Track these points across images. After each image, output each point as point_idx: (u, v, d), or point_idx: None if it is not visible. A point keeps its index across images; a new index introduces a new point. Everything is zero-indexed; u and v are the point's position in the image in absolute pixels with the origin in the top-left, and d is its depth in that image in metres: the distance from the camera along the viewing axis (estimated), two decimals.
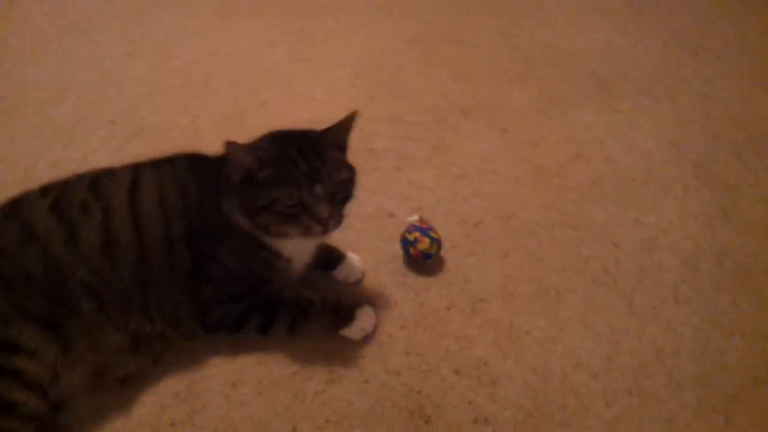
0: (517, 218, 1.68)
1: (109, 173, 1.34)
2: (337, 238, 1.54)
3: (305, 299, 1.36)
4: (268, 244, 1.28)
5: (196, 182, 1.32)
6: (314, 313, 1.35)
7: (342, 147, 1.30)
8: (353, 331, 1.36)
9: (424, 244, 1.48)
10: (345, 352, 1.36)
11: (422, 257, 1.49)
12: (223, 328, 1.33)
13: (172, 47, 2.22)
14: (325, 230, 1.20)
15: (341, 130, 1.27)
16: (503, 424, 1.26)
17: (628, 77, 2.19)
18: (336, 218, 1.20)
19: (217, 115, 1.96)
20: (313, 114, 1.99)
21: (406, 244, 1.51)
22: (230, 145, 1.16)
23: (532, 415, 1.27)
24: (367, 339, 1.38)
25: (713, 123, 2.01)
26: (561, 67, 2.21)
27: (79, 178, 1.33)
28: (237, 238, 1.28)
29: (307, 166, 1.19)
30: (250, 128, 1.90)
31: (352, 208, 1.29)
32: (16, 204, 1.28)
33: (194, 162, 1.36)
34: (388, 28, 2.37)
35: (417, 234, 1.49)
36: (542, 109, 2.04)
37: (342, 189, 1.23)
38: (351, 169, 1.27)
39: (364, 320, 1.36)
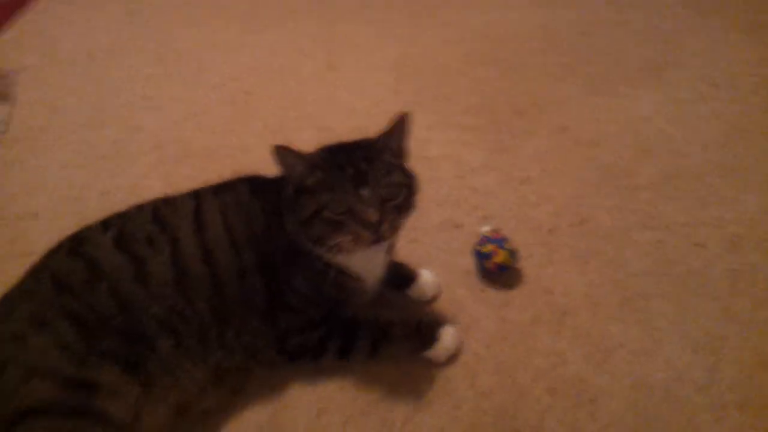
0: (591, 222, 1.60)
1: (169, 203, 1.27)
2: (406, 254, 1.48)
3: (384, 321, 1.29)
4: (333, 262, 1.20)
5: (260, 207, 1.25)
6: (395, 336, 1.28)
7: (397, 152, 1.22)
8: (437, 353, 1.28)
9: (501, 256, 1.40)
10: (430, 375, 1.29)
11: (499, 270, 1.41)
12: (303, 357, 1.27)
13: (206, 65, 2.16)
14: (376, 237, 1.11)
15: (392, 133, 1.19)
16: None
17: (683, 64, 2.10)
18: (389, 225, 1.12)
19: (263, 132, 1.89)
20: (359, 123, 1.91)
21: (480, 257, 1.43)
22: (280, 149, 1.11)
23: None
24: (452, 360, 1.30)
25: None
26: (610, 57, 2.13)
27: (139, 210, 1.27)
28: (304, 259, 1.21)
29: (354, 170, 1.11)
30: (298, 142, 1.85)
31: (416, 221, 1.22)
32: (78, 240, 1.22)
33: (255, 185, 1.30)
34: (424, 29, 2.30)
35: (492, 246, 1.41)
36: (598, 103, 1.95)
37: (395, 195, 1.14)
38: (408, 175, 1.19)
39: (447, 340, 1.29)
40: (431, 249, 1.54)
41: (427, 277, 1.43)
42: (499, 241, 1.42)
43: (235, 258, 1.21)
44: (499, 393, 1.26)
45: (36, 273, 1.20)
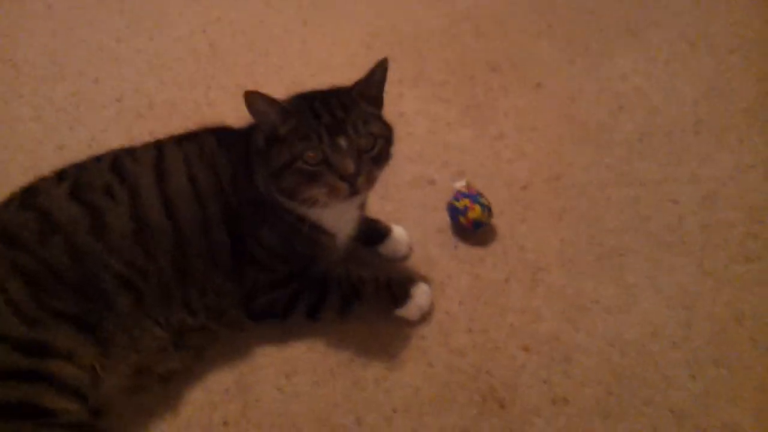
0: (565, 178, 1.57)
1: (129, 153, 1.21)
2: (378, 211, 1.44)
3: (356, 278, 1.25)
4: (305, 217, 1.15)
5: (226, 158, 1.20)
6: (366, 293, 1.24)
7: (374, 101, 1.16)
8: (410, 311, 1.25)
9: (476, 211, 1.36)
10: (403, 334, 1.26)
11: (473, 226, 1.38)
12: (271, 315, 1.22)
13: (172, 17, 2.06)
14: (353, 189, 1.06)
15: (370, 81, 1.13)
16: (584, 402, 1.17)
17: (661, 23, 2.06)
18: (366, 177, 1.07)
19: (230, 86, 1.82)
20: (331, 79, 1.84)
21: (454, 212, 1.39)
22: (251, 94, 1.04)
23: (613, 392, 1.18)
24: (425, 318, 1.27)
25: (756, 66, 1.89)
26: (589, 17, 2.08)
27: (97, 160, 1.20)
28: (274, 213, 1.16)
29: (331, 118, 1.06)
30: None
31: (388, 177, 1.17)
32: (31, 192, 1.15)
33: (221, 136, 1.24)
34: None
35: (466, 201, 1.37)
36: (575, 61, 1.91)
37: (373, 145, 1.09)
38: (385, 126, 1.14)
39: (420, 298, 1.25)
40: (403, 206, 1.49)
41: (399, 234, 1.39)
42: (474, 196, 1.38)
43: (199, 211, 1.15)
44: (473, 351, 1.23)
45: None
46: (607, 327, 1.27)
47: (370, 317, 1.27)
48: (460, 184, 1.44)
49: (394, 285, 1.25)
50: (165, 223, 1.13)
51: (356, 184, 1.06)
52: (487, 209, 1.38)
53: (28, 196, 1.14)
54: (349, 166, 1.04)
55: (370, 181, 1.09)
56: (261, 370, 1.21)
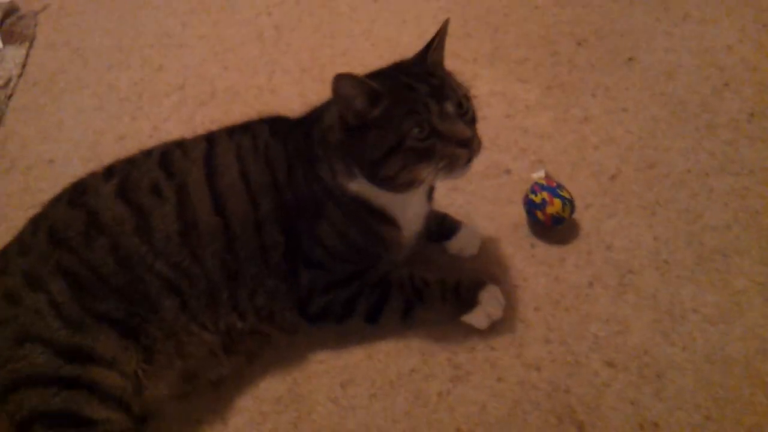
0: (660, 166, 1.39)
1: (179, 146, 1.14)
2: (445, 205, 1.32)
3: (420, 280, 1.14)
4: (380, 209, 1.07)
5: (282, 150, 1.10)
6: (431, 297, 1.13)
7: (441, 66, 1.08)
8: (478, 318, 1.13)
9: (555, 206, 1.22)
10: (471, 343, 1.14)
11: (553, 222, 1.23)
12: (328, 319, 1.13)
13: (236, 0, 1.99)
14: (471, 154, 0.98)
15: (438, 46, 1.05)
16: (677, 429, 1.02)
17: None
18: (477, 141, 0.99)
19: (294, 71, 1.73)
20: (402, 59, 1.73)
21: (531, 207, 1.25)
22: (341, 77, 0.94)
23: (712, 418, 1.02)
24: (495, 326, 1.14)
25: None
26: None
27: (147, 155, 1.14)
28: (341, 207, 1.07)
29: (428, 86, 0.97)
30: (331, 82, 1.68)
31: None
32: (79, 189, 1.11)
33: (276, 127, 1.14)
34: None
35: (545, 194, 1.23)
36: (672, 31, 1.70)
37: (468, 108, 1.01)
38: (465, 86, 1.06)
39: (490, 303, 1.13)
40: (474, 198, 1.37)
41: (469, 230, 1.27)
42: (554, 189, 1.24)
43: (251, 207, 1.07)
44: (550, 365, 1.10)
45: (34, 224, 1.10)
46: (707, 341, 1.11)
47: (435, 323, 1.15)
48: (538, 175, 1.29)
49: (461, 289, 1.14)
50: (214, 221, 1.05)
51: (473, 148, 0.98)
52: (569, 203, 1.23)
53: (77, 193, 1.10)
54: (465, 129, 0.96)
55: (480, 146, 1.01)
56: (315, 379, 1.13)
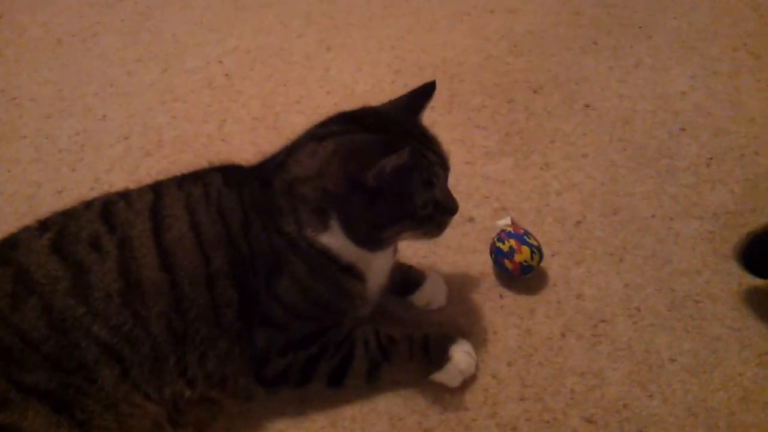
0: (624, 211, 1.36)
1: (122, 197, 1.05)
2: (408, 255, 1.26)
3: (385, 337, 1.06)
4: (348, 263, 1.00)
5: (236, 199, 1.02)
6: (398, 355, 1.05)
7: None
8: (450, 376, 1.05)
9: (523, 254, 1.17)
10: (442, 403, 1.07)
11: (521, 271, 1.18)
12: (286, 383, 1.04)
13: (186, 48, 1.93)
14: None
15: (420, 106, 1.04)
16: None
17: (719, 33, 1.85)
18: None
19: (246, 119, 1.67)
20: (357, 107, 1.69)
21: (499, 255, 1.20)
22: (384, 164, 0.88)
23: None
24: (467, 383, 1.07)
25: None
26: (637, 30, 1.89)
27: (87, 206, 1.05)
28: (305, 261, 0.99)
29: (435, 155, 0.96)
30: (285, 130, 1.62)
31: None
32: (10, 244, 1.01)
33: (229, 175, 1.07)
34: (428, 3, 2.06)
35: (513, 242, 1.18)
36: (626, 79, 1.72)
37: None
38: None
39: (461, 360, 1.06)
40: (438, 248, 1.31)
41: (435, 281, 1.21)
42: (520, 236, 1.19)
43: (202, 261, 0.98)
44: (525, 424, 1.04)
45: None
46: (688, 391, 1.06)
47: (402, 382, 1.08)
48: (504, 222, 1.25)
49: (431, 344, 1.06)
50: (160, 278, 0.96)
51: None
52: (538, 251, 1.19)
53: (6, 249, 1.00)
54: (457, 201, 1.01)
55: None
56: None
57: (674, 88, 1.68)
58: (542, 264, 1.22)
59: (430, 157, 0.95)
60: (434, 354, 1.05)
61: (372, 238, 0.96)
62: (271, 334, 1.02)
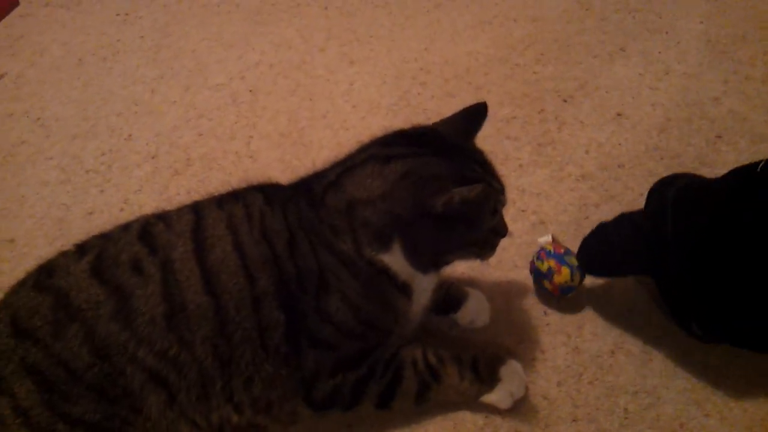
0: None
1: (162, 218, 1.03)
2: (448, 270, 1.23)
3: (434, 357, 1.03)
4: (404, 282, 0.98)
5: (281, 219, 1.00)
6: (447, 376, 1.03)
7: None
8: (500, 397, 1.03)
9: (563, 275, 1.14)
10: (492, 425, 1.03)
11: (561, 292, 1.16)
12: (336, 405, 1.01)
13: (208, 64, 1.92)
14: None
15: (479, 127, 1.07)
16: None
17: (749, 37, 1.82)
18: None
19: (273, 135, 1.65)
20: (383, 121, 1.68)
21: (538, 276, 1.18)
22: (456, 193, 0.89)
23: None
24: (517, 404, 1.04)
25: None
26: (666, 36, 1.86)
27: (124, 229, 1.02)
28: (360, 279, 0.96)
29: (497, 183, 0.98)
30: (312, 145, 1.60)
31: None
32: (48, 270, 0.98)
33: (270, 195, 1.04)
34: (449, 13, 2.04)
35: (552, 262, 1.15)
36: (657, 86, 1.69)
37: None
38: None
39: (511, 381, 1.03)
40: (478, 264, 1.27)
41: (477, 299, 1.18)
42: (560, 255, 1.16)
43: (247, 283, 0.95)
44: None
45: None
46: (745, 410, 1.03)
47: (452, 406, 1.05)
48: (544, 240, 1.22)
49: (480, 365, 1.04)
50: (205, 301, 0.94)
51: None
52: (579, 271, 1.15)
53: (44, 275, 0.97)
54: (507, 225, 1.04)
55: None
56: None
57: (707, 94, 1.65)
58: (587, 279, 1.19)
59: (494, 185, 0.96)
60: (484, 375, 1.03)
61: (434, 262, 0.98)
62: (320, 354, 0.99)
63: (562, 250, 1.17)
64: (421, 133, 1.02)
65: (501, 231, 1.02)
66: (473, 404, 1.04)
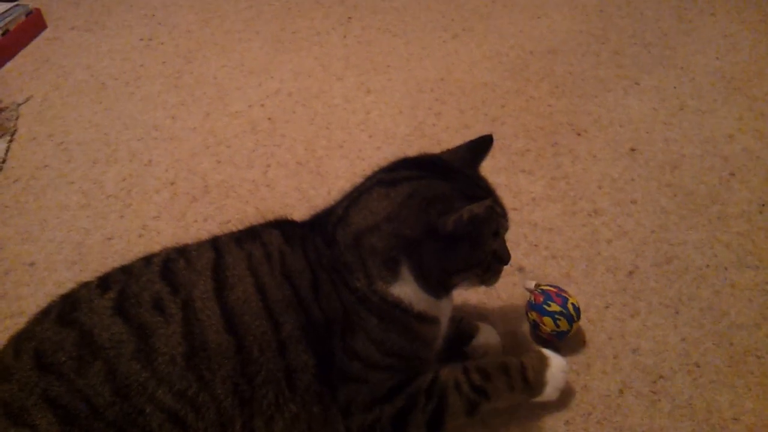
0: (677, 261, 1.34)
1: (181, 254, 1.04)
2: (457, 307, 1.25)
3: (477, 374, 1.03)
4: (420, 312, 0.99)
5: (302, 259, 1.01)
6: (495, 390, 1.03)
7: None
8: (549, 395, 1.06)
9: (547, 325, 1.15)
10: None
11: (556, 338, 1.17)
12: None
13: (228, 90, 1.96)
14: None
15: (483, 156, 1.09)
16: None
17: (764, 73, 1.84)
18: None
19: (290, 164, 1.68)
20: (397, 151, 1.69)
21: (532, 327, 1.20)
22: (466, 211, 0.90)
23: None
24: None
25: None
26: (681, 71, 1.88)
27: (146, 263, 1.04)
28: (376, 315, 0.98)
29: (500, 207, 1.00)
30: (328, 175, 1.63)
31: None
32: (71, 303, 1.00)
33: (288, 233, 1.06)
34: (464, 44, 2.08)
35: (534, 315, 1.17)
36: (671, 121, 1.70)
37: None
38: None
39: (556, 378, 1.06)
40: (489, 299, 1.29)
41: (488, 332, 1.20)
42: (539, 306, 1.15)
43: (272, 326, 0.96)
44: None
45: (16, 345, 0.97)
46: None
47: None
48: (528, 285, 1.20)
49: (528, 373, 1.05)
50: (225, 341, 0.94)
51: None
52: (563, 316, 1.14)
53: (67, 308, 0.99)
54: (509, 252, 1.04)
55: None
56: None
57: (721, 131, 1.66)
58: (595, 316, 1.20)
59: (496, 209, 0.97)
60: (534, 382, 1.04)
61: (441, 283, 0.98)
62: (352, 388, 0.99)
63: (542, 299, 1.16)
64: (426, 159, 1.05)
65: (504, 257, 1.03)
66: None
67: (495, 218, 0.97)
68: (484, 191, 1.01)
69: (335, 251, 0.99)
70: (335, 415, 1.00)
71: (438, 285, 0.98)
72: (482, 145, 1.07)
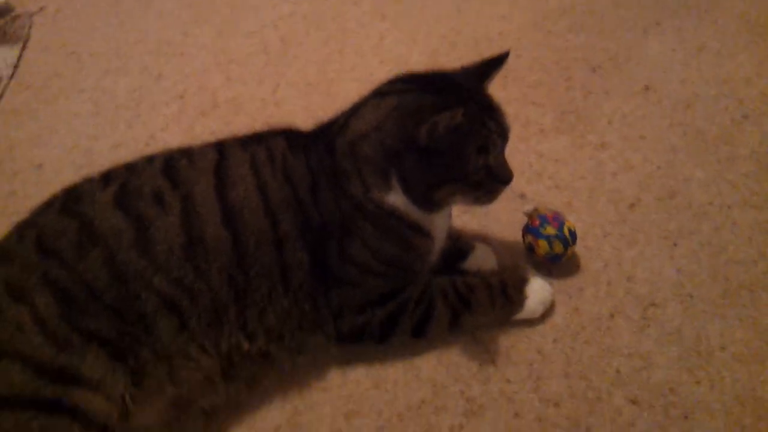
0: (680, 196, 1.33)
1: (185, 153, 1.06)
2: (458, 225, 1.26)
3: (463, 286, 1.08)
4: (415, 222, 1.01)
5: (303, 165, 1.03)
6: (479, 303, 1.07)
7: None
8: (531, 310, 1.11)
9: (542, 248, 1.15)
10: (485, 374, 1.07)
11: (550, 261, 1.17)
12: (365, 339, 1.06)
13: (241, 11, 1.94)
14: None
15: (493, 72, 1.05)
16: None
17: None
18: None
19: (300, 84, 1.67)
20: None
21: (528, 249, 1.19)
22: (437, 121, 0.89)
23: None
24: (510, 356, 1.08)
25: None
26: (705, 14, 1.83)
27: (149, 162, 1.06)
28: (373, 223, 1.00)
29: (495, 123, 0.95)
30: (338, 96, 1.62)
31: None
32: (73, 196, 1.02)
33: (293, 140, 1.07)
34: None
35: (530, 238, 1.17)
36: (688, 62, 1.67)
37: None
38: None
39: (539, 293, 1.10)
40: (489, 222, 1.30)
41: (484, 251, 1.21)
42: (536, 229, 1.16)
43: (270, 224, 0.99)
44: (569, 400, 1.03)
45: (20, 232, 1.01)
46: (737, 380, 1.04)
47: (446, 351, 1.09)
48: (527, 210, 1.20)
49: (509, 289, 1.09)
50: (223, 235, 0.97)
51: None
52: (558, 239, 1.14)
53: (71, 200, 1.02)
54: (511, 171, 1.00)
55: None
56: (318, 408, 1.05)
57: (739, 74, 1.62)
58: (593, 243, 1.21)
59: (489, 125, 0.95)
60: (514, 297, 1.08)
61: (426, 197, 0.97)
62: (344, 292, 1.03)
63: (538, 223, 1.16)
64: (429, 74, 1.03)
65: (499, 176, 0.98)
66: (466, 351, 1.08)
67: (480, 133, 0.94)
68: (479, 106, 0.96)
69: (335, 158, 1.00)
70: (326, 317, 1.03)
71: (424, 198, 0.97)
72: (494, 61, 1.05)
